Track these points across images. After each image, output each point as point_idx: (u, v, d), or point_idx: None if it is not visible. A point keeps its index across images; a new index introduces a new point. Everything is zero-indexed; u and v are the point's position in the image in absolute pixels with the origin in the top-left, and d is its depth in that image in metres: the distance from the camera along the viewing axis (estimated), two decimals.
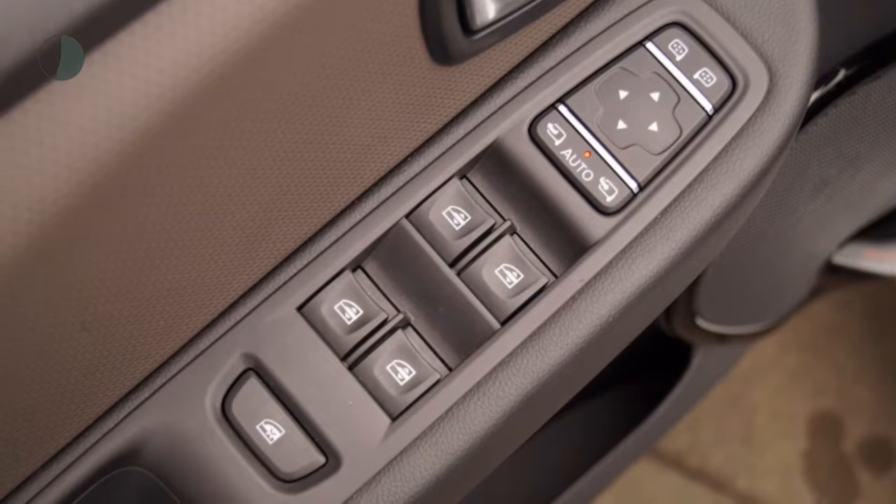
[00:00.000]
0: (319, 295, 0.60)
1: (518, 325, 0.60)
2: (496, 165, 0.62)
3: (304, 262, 0.60)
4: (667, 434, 1.43)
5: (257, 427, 0.58)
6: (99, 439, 0.58)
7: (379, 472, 0.58)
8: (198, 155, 0.48)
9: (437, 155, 0.61)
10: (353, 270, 0.61)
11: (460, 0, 0.54)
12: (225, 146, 0.49)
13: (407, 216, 0.61)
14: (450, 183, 0.61)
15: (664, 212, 0.61)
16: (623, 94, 0.62)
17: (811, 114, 0.81)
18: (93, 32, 0.42)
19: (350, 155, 0.57)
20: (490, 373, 0.59)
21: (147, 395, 0.58)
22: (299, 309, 0.60)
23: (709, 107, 0.62)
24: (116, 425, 0.58)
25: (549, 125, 0.61)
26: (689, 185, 0.62)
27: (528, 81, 0.62)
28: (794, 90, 0.63)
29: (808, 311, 1.51)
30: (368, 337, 0.59)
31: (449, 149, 0.61)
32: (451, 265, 0.60)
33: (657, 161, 0.62)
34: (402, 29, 0.53)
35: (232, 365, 0.59)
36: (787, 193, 0.88)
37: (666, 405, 1.17)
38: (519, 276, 0.60)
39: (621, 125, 0.62)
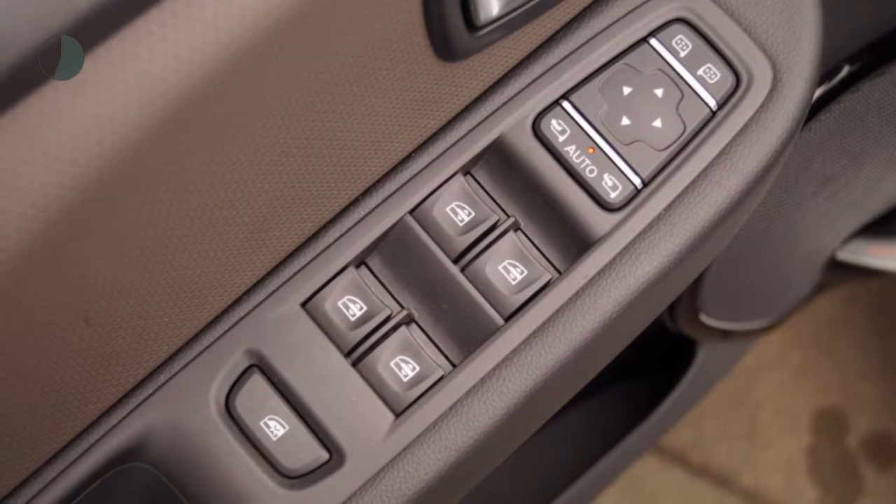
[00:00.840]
0: (323, 291, 0.60)
1: (522, 322, 0.60)
2: (500, 162, 0.61)
3: (308, 259, 0.60)
4: (671, 430, 1.43)
5: (261, 423, 0.58)
6: (103, 435, 0.58)
7: (383, 469, 0.58)
8: (202, 151, 0.48)
9: (440, 151, 0.61)
10: (357, 267, 0.61)
11: None
12: (229, 142, 0.49)
13: (411, 212, 0.61)
14: (453, 179, 0.61)
15: (668, 208, 0.61)
16: (627, 90, 0.62)
17: (815, 110, 0.81)
18: (97, 29, 0.42)
19: (354, 151, 0.57)
20: (494, 369, 0.59)
21: (151, 391, 0.58)
22: (303, 305, 0.60)
23: (712, 103, 0.62)
24: (120, 421, 0.58)
25: (553, 121, 0.61)
26: (693, 182, 0.61)
27: (531, 78, 0.62)
28: (798, 86, 0.63)
29: (811, 308, 1.50)
30: (372, 333, 0.59)
31: (453, 145, 0.61)
32: (455, 261, 0.60)
33: (661, 157, 0.62)
34: (406, 25, 0.53)
35: (236, 361, 0.59)
36: (790, 190, 0.88)
37: (670, 401, 1.17)
38: (523, 272, 0.60)
39: (625, 121, 0.62)
